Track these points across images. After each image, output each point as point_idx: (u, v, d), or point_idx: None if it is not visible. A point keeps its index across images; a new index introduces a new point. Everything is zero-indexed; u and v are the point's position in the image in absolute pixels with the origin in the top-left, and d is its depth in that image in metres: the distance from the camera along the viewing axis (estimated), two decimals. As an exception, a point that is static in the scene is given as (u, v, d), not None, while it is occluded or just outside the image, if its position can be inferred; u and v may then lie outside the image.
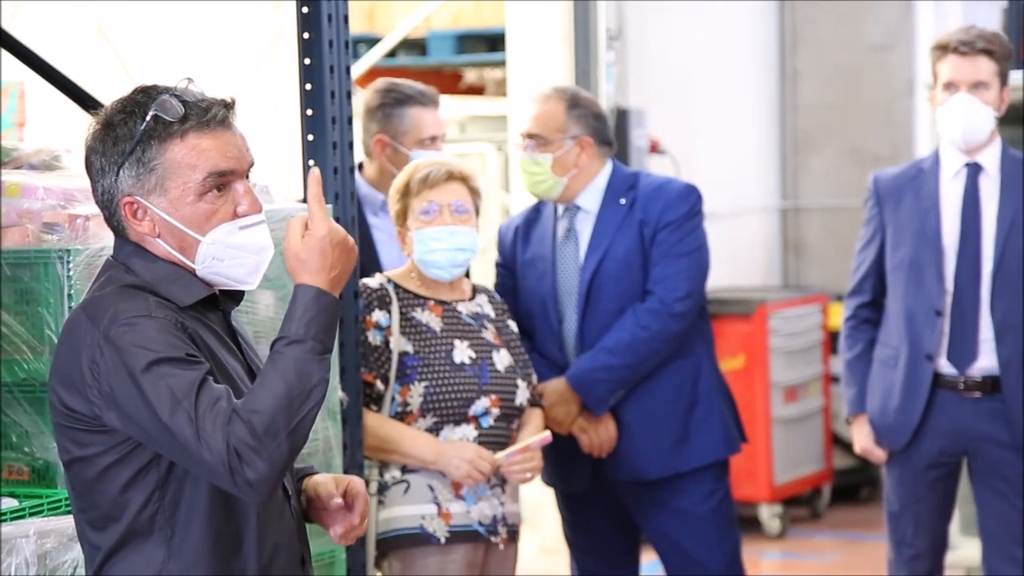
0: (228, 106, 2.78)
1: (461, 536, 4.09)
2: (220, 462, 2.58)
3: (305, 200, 3.90)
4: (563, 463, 4.72)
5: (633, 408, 4.70)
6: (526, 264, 4.77)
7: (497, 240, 4.91)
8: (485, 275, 8.04)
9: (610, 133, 4.85)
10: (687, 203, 4.73)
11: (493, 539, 4.14)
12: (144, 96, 2.75)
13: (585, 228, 4.73)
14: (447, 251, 4.15)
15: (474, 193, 4.21)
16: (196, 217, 2.74)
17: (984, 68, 4.74)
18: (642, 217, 4.69)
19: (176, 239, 2.75)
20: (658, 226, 4.68)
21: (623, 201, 4.71)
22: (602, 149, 4.76)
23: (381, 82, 4.91)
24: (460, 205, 4.16)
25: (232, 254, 2.78)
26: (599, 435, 4.64)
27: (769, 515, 8.26)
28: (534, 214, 4.85)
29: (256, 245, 2.80)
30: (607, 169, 4.77)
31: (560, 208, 4.77)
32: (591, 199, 4.74)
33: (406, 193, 4.15)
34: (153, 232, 2.75)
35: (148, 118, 2.71)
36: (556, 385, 4.62)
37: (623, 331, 4.63)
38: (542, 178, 4.69)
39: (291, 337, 2.67)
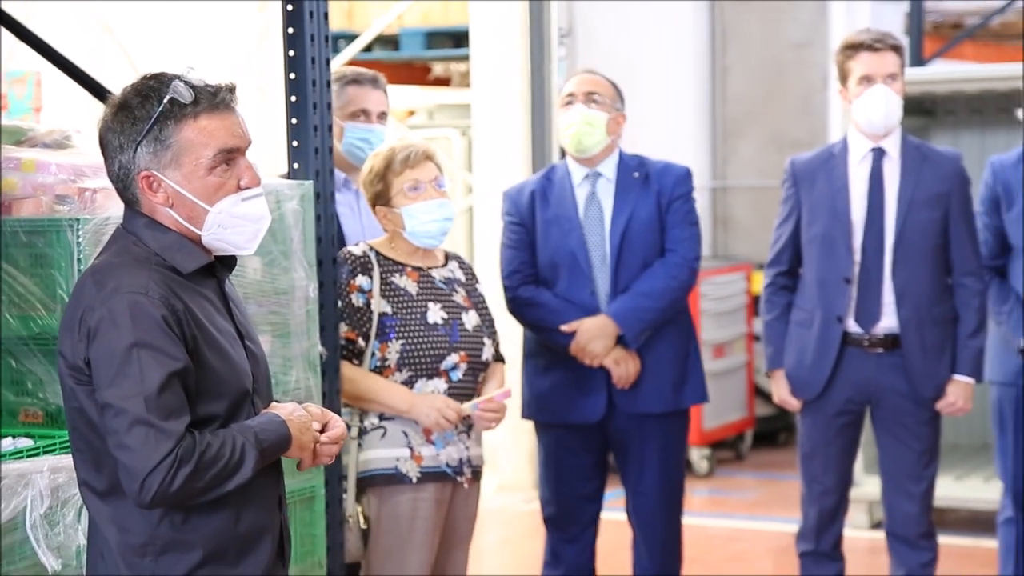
0: (232, 90, 2.80)
1: (431, 476, 4.08)
2: (137, 468, 2.61)
3: (288, 176, 3.92)
4: (581, 395, 4.74)
5: (651, 350, 4.73)
6: (549, 222, 4.78)
7: (507, 202, 4.89)
8: (448, 241, 8.06)
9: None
10: (690, 183, 4.85)
11: (459, 479, 4.14)
12: (156, 82, 2.75)
13: (606, 193, 4.77)
14: (438, 222, 4.15)
15: (440, 169, 4.22)
16: (206, 189, 2.75)
17: (893, 62, 4.76)
18: (658, 188, 4.77)
19: (187, 209, 2.76)
20: (672, 197, 4.77)
21: (636, 175, 4.78)
22: (622, 131, 4.83)
23: (338, 69, 4.90)
24: (438, 179, 4.17)
25: (235, 222, 2.79)
26: (629, 367, 4.67)
27: (699, 457, 8.31)
28: (545, 181, 4.86)
29: (256, 214, 2.82)
30: (619, 147, 4.83)
31: (578, 175, 4.79)
32: (610, 168, 4.79)
33: (386, 174, 4.12)
34: (167, 203, 2.75)
35: (165, 101, 2.72)
36: (599, 321, 4.65)
37: (657, 280, 4.70)
38: (595, 131, 4.72)
39: (256, 440, 2.71)
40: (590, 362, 4.65)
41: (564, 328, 4.64)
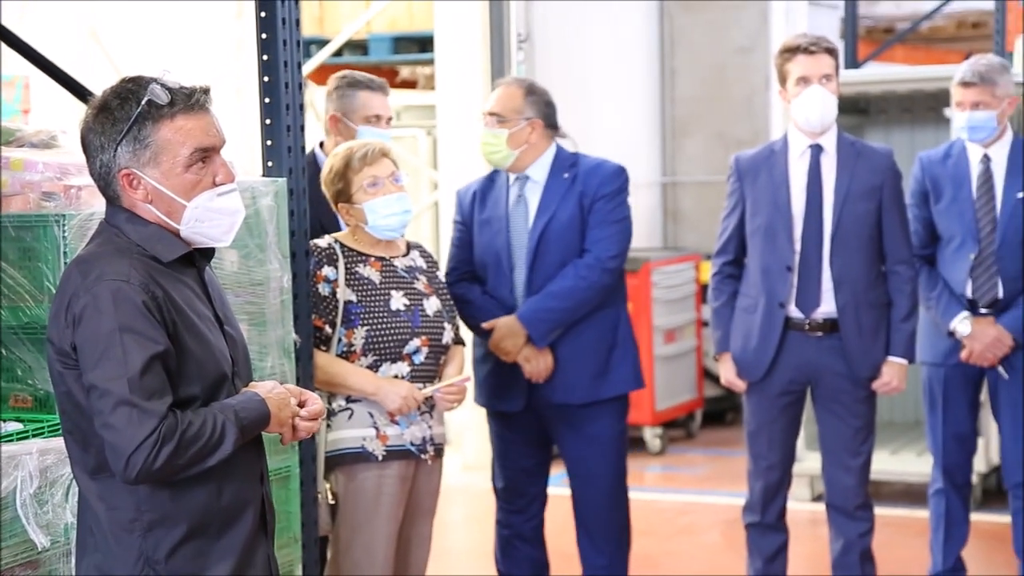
0: (206, 92, 2.80)
1: (396, 454, 4.08)
2: (121, 446, 2.61)
3: (264, 174, 3.91)
4: (504, 387, 4.74)
5: (566, 345, 4.70)
6: (483, 223, 4.78)
7: (456, 202, 4.90)
8: (416, 234, 8.05)
9: (557, 118, 4.84)
10: (618, 180, 4.78)
11: (423, 456, 4.14)
12: (134, 85, 2.75)
13: (534, 195, 4.74)
14: (397, 215, 4.14)
15: (396, 165, 4.21)
16: (183, 185, 2.75)
17: (828, 64, 4.77)
18: (582, 189, 4.71)
19: (165, 204, 2.75)
20: (595, 197, 4.72)
21: (566, 175, 4.74)
22: (549, 131, 4.78)
23: (341, 72, 4.92)
24: (395, 175, 4.16)
25: (211, 216, 2.79)
26: (539, 364, 4.66)
27: (652, 436, 8.34)
28: (488, 182, 4.85)
29: (230, 208, 2.82)
30: (552, 148, 4.78)
31: (511, 177, 4.77)
32: (539, 171, 4.75)
33: (346, 172, 4.11)
34: (146, 199, 2.75)
35: (143, 103, 2.72)
36: (508, 321, 4.64)
37: (565, 280, 4.66)
38: (497, 149, 4.70)
39: (236, 417, 2.71)
40: (504, 358, 4.65)
41: (484, 326, 4.65)
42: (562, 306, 4.65)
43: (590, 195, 4.71)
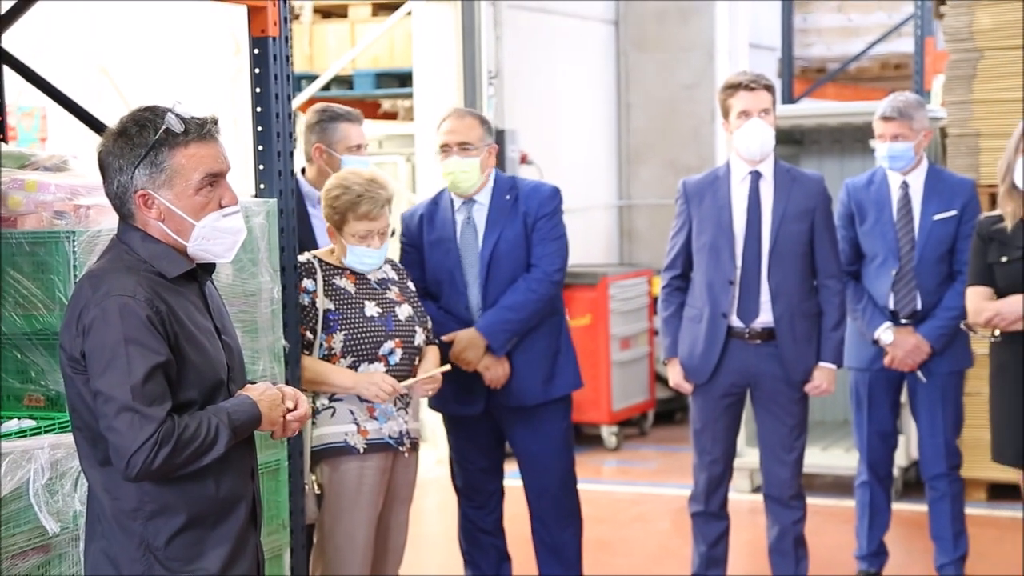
0: (215, 122, 2.80)
1: (375, 447, 4.07)
2: (123, 447, 2.61)
3: (257, 195, 3.90)
4: (463, 393, 4.70)
5: (520, 353, 4.69)
6: (432, 244, 4.72)
7: (402, 225, 4.84)
8: (395, 251, 8.05)
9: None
10: (555, 201, 4.76)
11: (400, 449, 4.13)
12: (151, 113, 2.75)
13: (480, 217, 4.70)
14: (373, 264, 4.14)
15: (390, 209, 4.19)
16: (193, 207, 2.75)
17: (766, 99, 4.78)
18: (524, 210, 4.69)
19: (176, 223, 2.75)
20: (537, 216, 4.69)
21: (508, 197, 4.70)
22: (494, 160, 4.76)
23: (318, 104, 4.87)
24: (384, 228, 4.13)
25: (217, 235, 2.79)
26: (498, 371, 4.64)
27: (608, 433, 8.34)
28: (433, 206, 4.79)
29: (234, 228, 2.82)
30: (493, 172, 4.76)
31: (457, 201, 4.73)
32: (485, 195, 4.72)
33: (347, 214, 4.06)
34: (159, 217, 2.75)
35: (160, 131, 2.71)
36: (468, 334, 4.60)
37: (518, 294, 4.63)
38: (471, 176, 4.64)
39: (228, 419, 2.71)
40: (465, 368, 4.60)
41: (443, 339, 4.58)
42: (517, 317, 4.62)
43: (532, 215, 4.68)
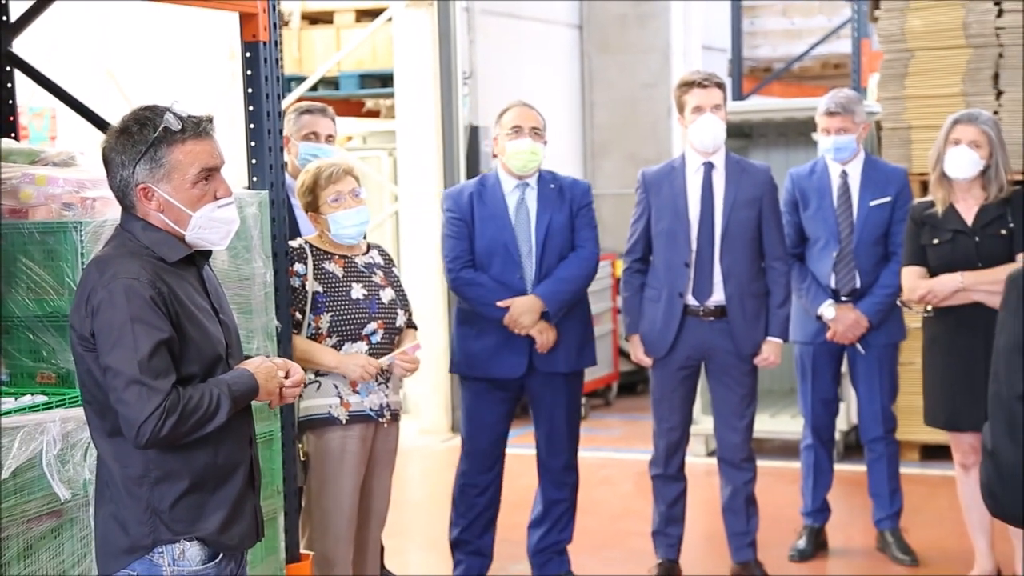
0: (211, 120, 2.79)
1: (357, 418, 4.06)
2: (133, 418, 2.60)
3: (250, 187, 3.88)
4: (510, 355, 4.71)
5: (561, 324, 4.72)
6: (486, 220, 4.72)
7: (448, 200, 4.81)
8: (380, 237, 8.03)
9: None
10: (591, 195, 4.86)
11: (380, 420, 4.11)
12: (151, 112, 2.73)
13: (531, 199, 4.73)
14: (355, 226, 4.11)
15: (358, 180, 4.18)
16: (190, 199, 2.73)
17: (718, 96, 4.79)
18: (570, 199, 4.75)
19: (174, 214, 2.73)
20: (580, 206, 4.77)
21: (552, 186, 4.75)
22: None
23: (288, 101, 4.86)
24: (355, 190, 4.12)
25: (212, 225, 2.78)
26: (550, 335, 4.67)
27: (576, 403, 8.35)
28: (480, 186, 4.78)
29: (228, 218, 2.81)
30: None
31: (508, 184, 4.73)
32: (533, 180, 4.75)
33: (314, 188, 4.07)
34: (158, 208, 2.73)
35: (160, 129, 2.70)
36: (527, 299, 4.64)
37: (572, 268, 4.70)
38: (538, 158, 4.70)
39: (229, 390, 2.70)
40: (519, 331, 4.63)
41: (500, 304, 4.62)
42: (571, 288, 4.69)
43: (576, 204, 4.77)
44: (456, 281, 4.73)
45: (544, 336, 4.67)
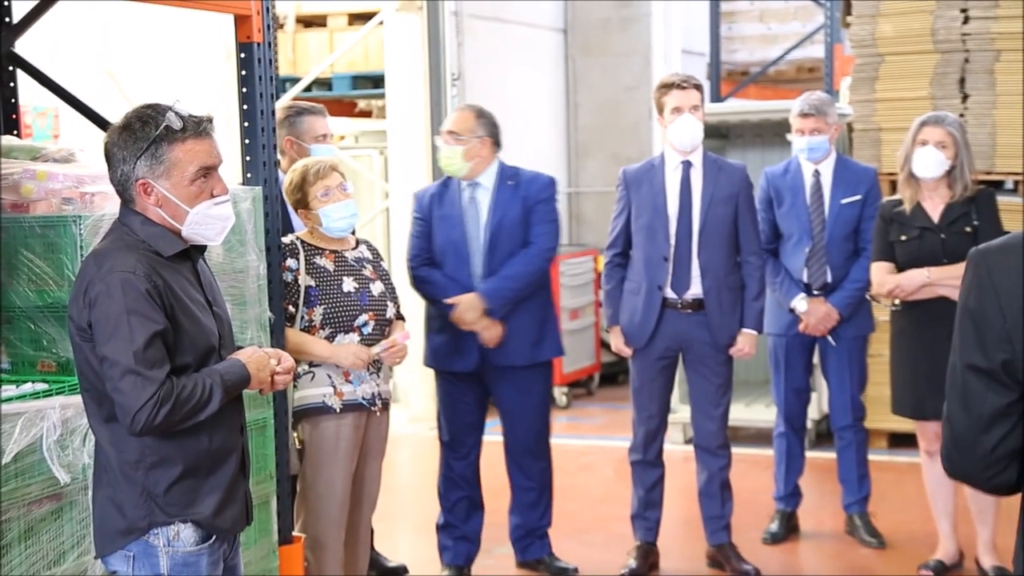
0: (210, 120, 2.78)
1: (350, 407, 4.05)
2: (128, 406, 2.59)
3: (244, 184, 3.87)
4: (459, 351, 4.72)
5: (513, 317, 4.70)
6: (441, 219, 4.73)
7: (415, 202, 4.84)
8: (371, 233, 8.01)
9: (501, 137, 4.83)
10: (551, 189, 4.82)
11: (372, 408, 4.10)
12: (153, 111, 2.72)
13: (484, 198, 4.72)
14: (345, 218, 4.10)
15: (344, 175, 4.17)
16: (188, 195, 2.73)
17: (696, 97, 4.78)
18: (524, 194, 4.72)
19: (172, 209, 2.72)
20: (536, 201, 4.74)
21: (511, 183, 4.73)
22: (496, 147, 4.77)
23: (284, 102, 4.86)
24: (342, 184, 4.11)
25: (208, 221, 2.77)
26: (494, 332, 4.65)
27: (560, 393, 8.36)
28: (443, 187, 4.80)
29: (224, 215, 2.80)
30: (497, 161, 4.78)
31: (464, 184, 4.74)
32: (488, 179, 4.73)
33: (303, 185, 4.06)
34: (157, 203, 2.72)
35: (161, 127, 2.69)
36: (471, 297, 4.63)
37: (517, 266, 4.67)
38: (454, 161, 4.68)
39: (221, 379, 2.69)
40: (465, 328, 4.64)
41: (447, 301, 4.63)
42: (515, 286, 4.66)
43: (531, 199, 4.73)
44: (413, 279, 4.77)
45: (488, 332, 4.65)
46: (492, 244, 4.68)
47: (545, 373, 4.87)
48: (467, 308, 4.62)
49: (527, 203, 4.72)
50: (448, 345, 4.70)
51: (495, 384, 4.80)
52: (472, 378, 4.77)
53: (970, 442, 1.87)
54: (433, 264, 4.74)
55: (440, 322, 4.73)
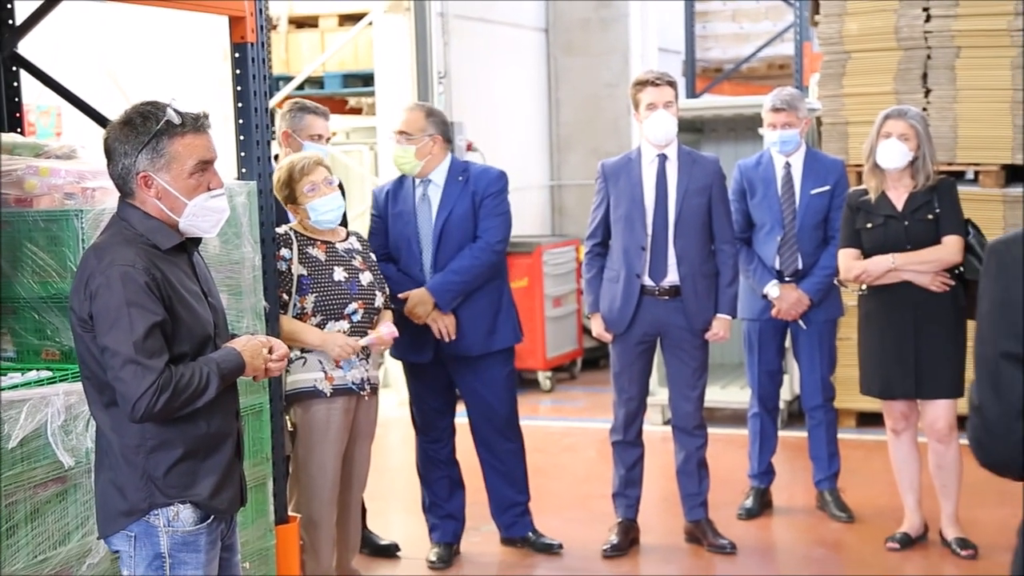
0: (207, 117, 2.78)
1: (341, 391, 4.06)
2: (129, 394, 2.59)
3: (239, 178, 3.86)
4: (416, 343, 4.70)
5: (465, 310, 4.68)
6: (395, 216, 4.71)
7: (372, 200, 4.83)
8: (361, 226, 7.99)
9: (452, 134, 4.80)
10: (501, 182, 4.75)
11: (361, 393, 4.11)
12: (154, 107, 2.72)
13: (435, 195, 4.69)
14: (332, 210, 4.10)
15: (329, 169, 4.15)
16: (186, 188, 2.72)
17: (670, 93, 4.78)
18: (474, 189, 4.67)
19: (170, 201, 2.72)
20: (484, 195, 4.68)
21: (460, 179, 4.69)
22: (447, 144, 4.73)
23: (293, 99, 4.85)
24: (327, 179, 4.10)
25: (205, 213, 2.77)
26: (445, 323, 4.63)
27: (544, 378, 8.36)
28: (398, 184, 4.78)
29: (220, 208, 2.80)
30: (449, 157, 4.74)
31: (417, 181, 4.72)
32: (439, 176, 4.70)
33: (290, 182, 4.07)
34: (156, 196, 2.72)
35: (162, 122, 2.68)
36: (419, 292, 4.61)
37: (463, 260, 4.63)
38: (407, 160, 4.65)
39: (217, 368, 2.69)
40: (416, 321, 4.62)
41: (399, 296, 4.59)
42: (462, 279, 4.62)
43: (480, 193, 4.68)
44: None
45: (438, 324, 4.63)
46: (441, 239, 4.65)
47: (505, 359, 4.82)
48: (417, 302, 4.60)
49: (476, 197, 4.67)
50: (406, 337, 4.63)
51: (456, 373, 4.79)
52: (436, 367, 4.76)
53: (1004, 429, 1.80)
54: (390, 260, 4.71)
55: (397, 315, 4.71)
